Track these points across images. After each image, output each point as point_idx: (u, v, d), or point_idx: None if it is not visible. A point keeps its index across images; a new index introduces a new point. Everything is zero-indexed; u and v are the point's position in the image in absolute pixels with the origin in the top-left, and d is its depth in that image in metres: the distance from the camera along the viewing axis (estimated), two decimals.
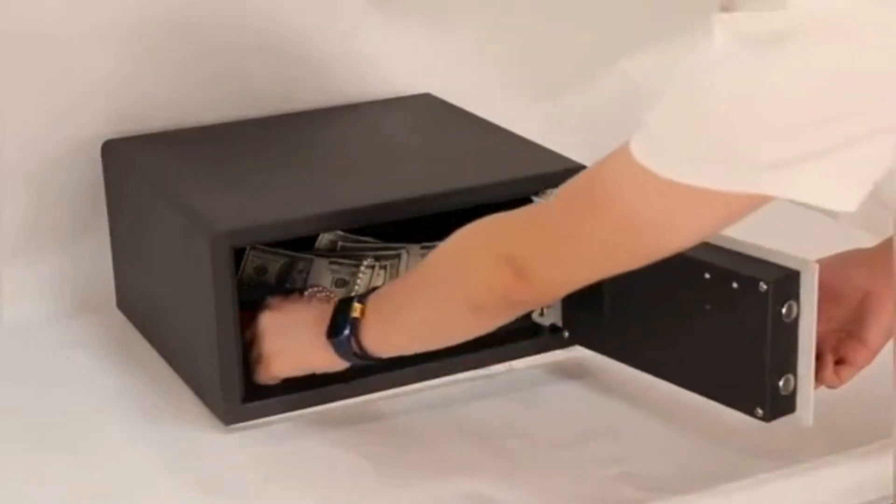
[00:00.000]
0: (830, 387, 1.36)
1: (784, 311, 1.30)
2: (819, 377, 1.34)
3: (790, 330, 1.31)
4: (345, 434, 1.44)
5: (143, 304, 1.63)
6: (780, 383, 1.31)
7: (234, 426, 1.44)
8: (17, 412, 1.50)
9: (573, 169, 1.52)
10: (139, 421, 1.48)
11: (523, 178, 1.51)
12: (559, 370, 1.55)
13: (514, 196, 1.49)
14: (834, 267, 1.35)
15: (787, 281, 1.30)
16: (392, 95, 1.80)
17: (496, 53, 1.87)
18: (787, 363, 1.32)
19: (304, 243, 1.61)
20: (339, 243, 1.64)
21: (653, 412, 1.47)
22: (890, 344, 1.29)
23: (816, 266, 1.30)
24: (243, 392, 1.43)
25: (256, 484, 1.37)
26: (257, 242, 1.45)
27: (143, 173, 1.58)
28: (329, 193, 1.49)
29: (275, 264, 1.62)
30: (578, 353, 1.56)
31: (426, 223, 1.48)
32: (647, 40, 1.96)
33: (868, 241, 1.89)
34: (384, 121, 1.74)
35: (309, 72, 1.75)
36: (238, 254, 1.39)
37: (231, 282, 1.39)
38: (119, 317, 1.67)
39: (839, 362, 1.35)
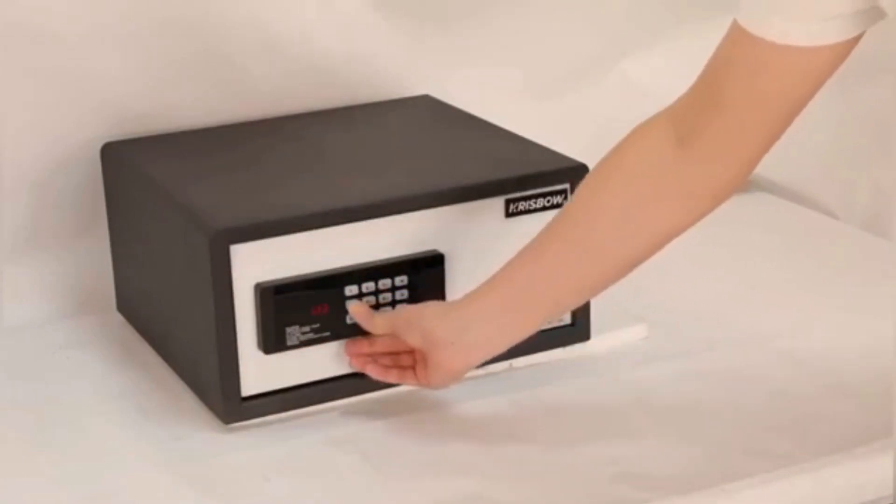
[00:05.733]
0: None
1: None
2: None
3: None
4: (345, 434, 1.44)
5: (142, 305, 1.63)
6: None
7: (234, 426, 1.44)
8: (18, 412, 1.50)
9: (573, 169, 1.53)
10: (139, 421, 1.48)
11: (523, 177, 1.51)
12: (559, 370, 1.55)
13: (514, 196, 1.50)
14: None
15: None
16: (392, 97, 1.80)
17: (496, 54, 1.87)
18: None
19: None
20: None
21: (653, 412, 1.47)
22: (893, 340, 1.29)
23: None
24: (243, 392, 1.43)
25: (256, 484, 1.37)
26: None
27: (143, 175, 1.58)
28: (328, 193, 1.49)
29: None
30: (578, 352, 1.56)
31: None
32: (647, 40, 1.96)
33: (868, 241, 1.90)
34: (384, 121, 1.74)
35: (309, 72, 1.75)
36: None
37: (230, 281, 1.40)
38: (119, 317, 1.67)
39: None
